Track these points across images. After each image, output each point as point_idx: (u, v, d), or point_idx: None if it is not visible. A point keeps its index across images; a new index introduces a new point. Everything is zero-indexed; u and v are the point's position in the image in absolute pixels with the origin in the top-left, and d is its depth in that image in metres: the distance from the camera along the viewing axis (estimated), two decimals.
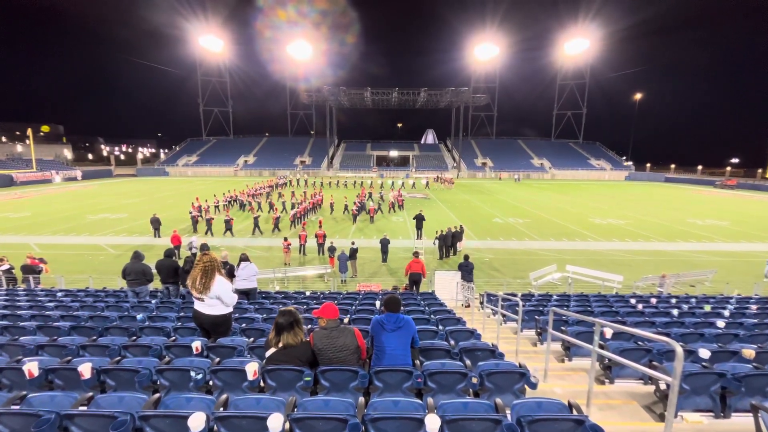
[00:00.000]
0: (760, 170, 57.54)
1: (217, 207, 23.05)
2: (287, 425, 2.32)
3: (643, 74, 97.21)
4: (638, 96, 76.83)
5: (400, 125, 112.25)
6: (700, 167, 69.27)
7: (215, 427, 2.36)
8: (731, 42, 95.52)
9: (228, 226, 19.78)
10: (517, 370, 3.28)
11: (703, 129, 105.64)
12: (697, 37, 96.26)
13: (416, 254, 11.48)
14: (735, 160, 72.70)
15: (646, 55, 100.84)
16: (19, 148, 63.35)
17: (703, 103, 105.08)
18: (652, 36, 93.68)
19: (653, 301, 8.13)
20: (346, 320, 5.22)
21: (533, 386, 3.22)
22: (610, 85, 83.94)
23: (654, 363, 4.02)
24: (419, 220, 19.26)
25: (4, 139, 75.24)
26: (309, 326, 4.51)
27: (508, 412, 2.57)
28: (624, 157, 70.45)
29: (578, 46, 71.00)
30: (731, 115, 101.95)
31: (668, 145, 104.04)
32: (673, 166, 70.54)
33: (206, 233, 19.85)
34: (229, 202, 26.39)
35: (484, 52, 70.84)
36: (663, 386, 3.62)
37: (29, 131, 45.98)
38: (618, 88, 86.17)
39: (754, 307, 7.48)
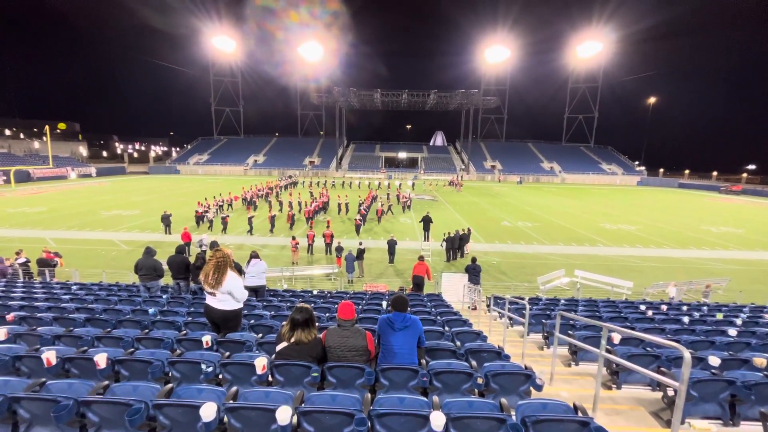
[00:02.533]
0: None
1: (206, 211, 22.51)
2: (295, 418, 2.38)
3: (657, 78, 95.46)
4: (652, 100, 75.74)
5: (409, 127, 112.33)
6: (715, 173, 67.93)
7: (225, 418, 2.43)
8: (749, 46, 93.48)
9: (224, 223, 20.41)
10: (523, 372, 3.28)
11: (719, 134, 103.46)
12: (713, 40, 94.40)
13: (421, 258, 11.50)
14: (751, 167, 71.11)
15: (661, 58, 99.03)
16: (36, 144, 64.99)
17: (720, 108, 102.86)
18: (668, 39, 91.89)
19: (663, 308, 8.02)
20: None
21: (539, 388, 3.23)
22: (623, 88, 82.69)
23: (662, 369, 3.99)
24: (426, 221, 19.25)
25: (22, 135, 77.24)
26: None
27: (512, 412, 2.58)
28: (636, 162, 69.41)
29: (591, 49, 70.22)
30: (748, 120, 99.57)
31: (683, 150, 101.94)
32: (687, 171, 69.28)
33: (208, 229, 20.40)
34: (221, 206, 25.05)
35: (495, 54, 70.48)
36: (671, 392, 3.59)
37: (46, 128, 47.04)
38: (631, 92, 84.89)
39: (767, 316, 7.33)
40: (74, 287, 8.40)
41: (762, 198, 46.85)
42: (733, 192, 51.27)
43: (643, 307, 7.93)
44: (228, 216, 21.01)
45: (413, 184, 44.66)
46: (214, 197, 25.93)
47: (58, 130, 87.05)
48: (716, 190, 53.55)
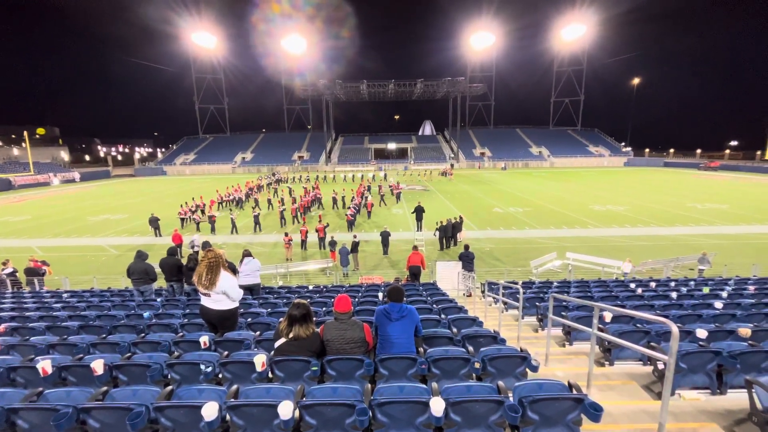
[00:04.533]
0: (758, 152, 57.40)
1: (184, 219, 21.54)
2: (297, 412, 2.40)
3: (641, 59, 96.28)
4: (636, 81, 76.38)
5: (397, 117, 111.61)
6: (699, 151, 69.11)
7: (228, 416, 2.44)
8: (729, 26, 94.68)
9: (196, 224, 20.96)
10: (519, 354, 3.36)
11: (702, 113, 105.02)
12: (695, 21, 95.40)
13: (415, 247, 11.55)
14: (734, 143, 72.48)
15: (644, 39, 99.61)
16: (15, 151, 63.10)
17: (702, 87, 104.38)
18: (650, 20, 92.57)
19: (652, 284, 8.23)
20: None
21: (534, 369, 3.31)
22: (607, 70, 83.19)
23: (652, 344, 4.11)
24: (419, 212, 19.32)
25: (0, 142, 74.87)
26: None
27: (510, 394, 2.65)
28: (623, 143, 70.29)
29: (575, 32, 70.30)
30: (730, 98, 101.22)
31: (667, 129, 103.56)
32: (672, 150, 70.39)
33: (197, 230, 20.21)
34: (194, 211, 22.94)
35: (480, 40, 70.16)
36: (661, 366, 3.71)
37: (25, 134, 45.66)
38: (616, 74, 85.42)
39: (751, 288, 7.57)
40: (65, 295, 8.28)
41: (743, 173, 48.01)
42: (712, 168, 52.92)
43: (632, 285, 8.13)
44: (201, 220, 21.34)
45: (385, 175, 44.77)
46: (186, 203, 23.46)
47: (37, 136, 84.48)
48: (687, 167, 54.86)
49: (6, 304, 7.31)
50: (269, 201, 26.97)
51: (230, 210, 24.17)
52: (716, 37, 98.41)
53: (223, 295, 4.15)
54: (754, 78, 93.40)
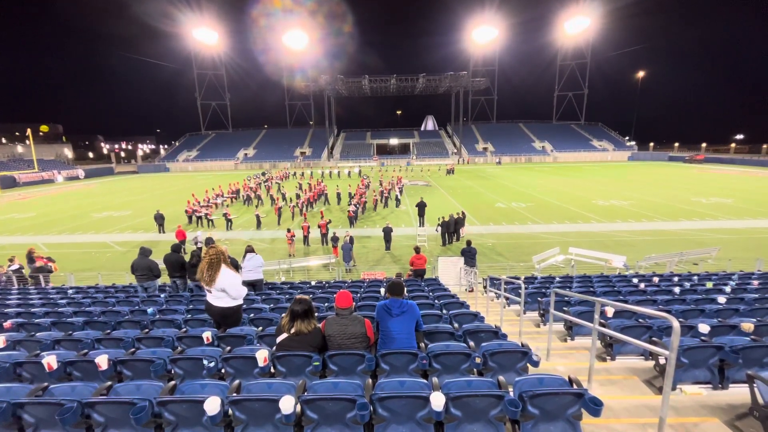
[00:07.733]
0: (765, 146, 56.75)
1: (196, 217, 21.19)
2: (298, 407, 2.42)
3: (645, 52, 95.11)
4: (641, 74, 75.53)
5: (399, 113, 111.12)
6: (704, 145, 68.47)
7: (230, 411, 2.47)
8: (735, 18, 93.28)
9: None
10: (520, 349, 3.36)
11: (708, 106, 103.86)
12: (700, 13, 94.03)
13: (417, 249, 11.36)
14: (740, 137, 71.74)
15: (649, 32, 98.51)
16: (19, 148, 63.43)
17: (708, 80, 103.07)
18: (655, 13, 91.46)
19: (655, 279, 8.20)
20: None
21: (535, 364, 3.31)
22: (611, 64, 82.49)
23: (654, 339, 4.11)
24: (421, 207, 19.27)
25: (3, 140, 75.31)
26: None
27: (510, 389, 2.66)
28: (627, 138, 69.70)
29: (579, 25, 69.52)
30: (736, 91, 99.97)
31: (672, 123, 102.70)
32: (676, 144, 69.75)
33: (199, 225, 20.33)
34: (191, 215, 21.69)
35: (483, 34, 69.51)
36: (662, 360, 3.71)
37: (29, 132, 45.81)
38: (620, 67, 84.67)
39: (755, 282, 7.53)
40: (70, 291, 8.36)
41: (757, 168, 47.50)
42: (696, 161, 53.57)
43: (635, 280, 8.10)
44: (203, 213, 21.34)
45: (360, 171, 44.97)
46: (191, 200, 22.81)
47: (41, 133, 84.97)
48: (706, 162, 54.56)
49: (12, 300, 7.40)
50: (272, 197, 27.04)
51: (226, 206, 23.97)
52: (722, 30, 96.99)
53: (222, 292, 4.18)
54: (761, 71, 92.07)
